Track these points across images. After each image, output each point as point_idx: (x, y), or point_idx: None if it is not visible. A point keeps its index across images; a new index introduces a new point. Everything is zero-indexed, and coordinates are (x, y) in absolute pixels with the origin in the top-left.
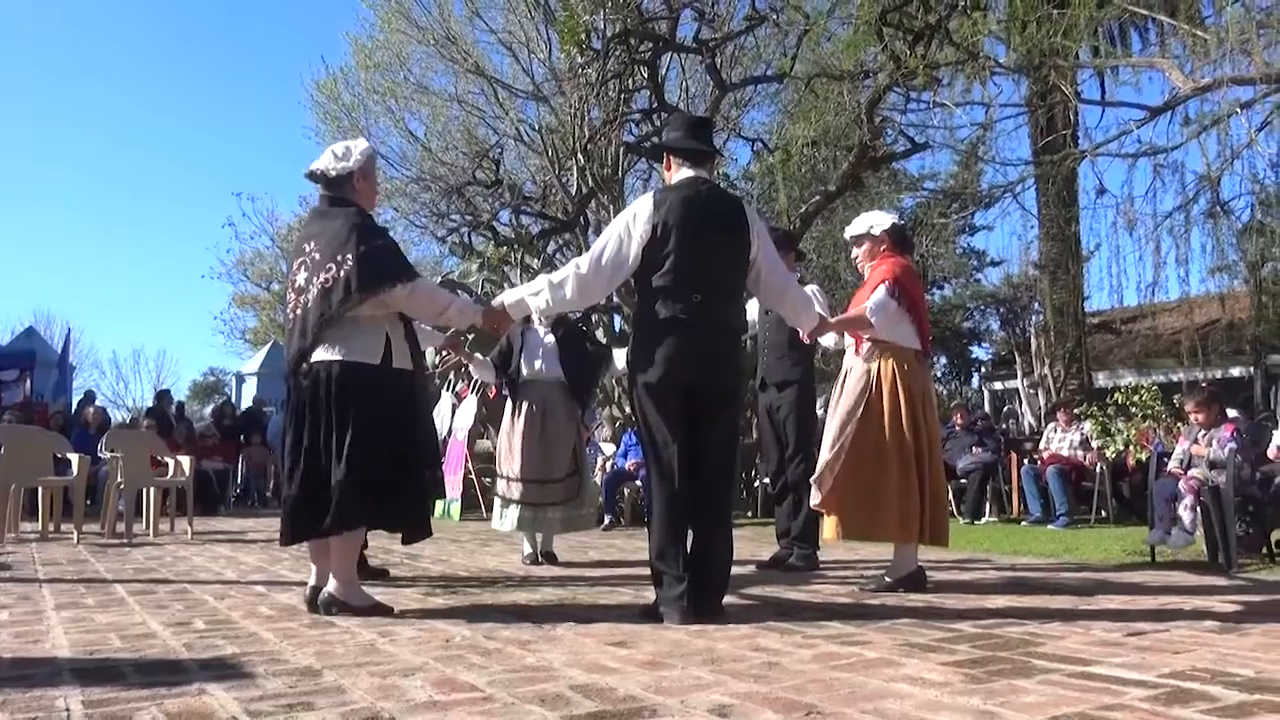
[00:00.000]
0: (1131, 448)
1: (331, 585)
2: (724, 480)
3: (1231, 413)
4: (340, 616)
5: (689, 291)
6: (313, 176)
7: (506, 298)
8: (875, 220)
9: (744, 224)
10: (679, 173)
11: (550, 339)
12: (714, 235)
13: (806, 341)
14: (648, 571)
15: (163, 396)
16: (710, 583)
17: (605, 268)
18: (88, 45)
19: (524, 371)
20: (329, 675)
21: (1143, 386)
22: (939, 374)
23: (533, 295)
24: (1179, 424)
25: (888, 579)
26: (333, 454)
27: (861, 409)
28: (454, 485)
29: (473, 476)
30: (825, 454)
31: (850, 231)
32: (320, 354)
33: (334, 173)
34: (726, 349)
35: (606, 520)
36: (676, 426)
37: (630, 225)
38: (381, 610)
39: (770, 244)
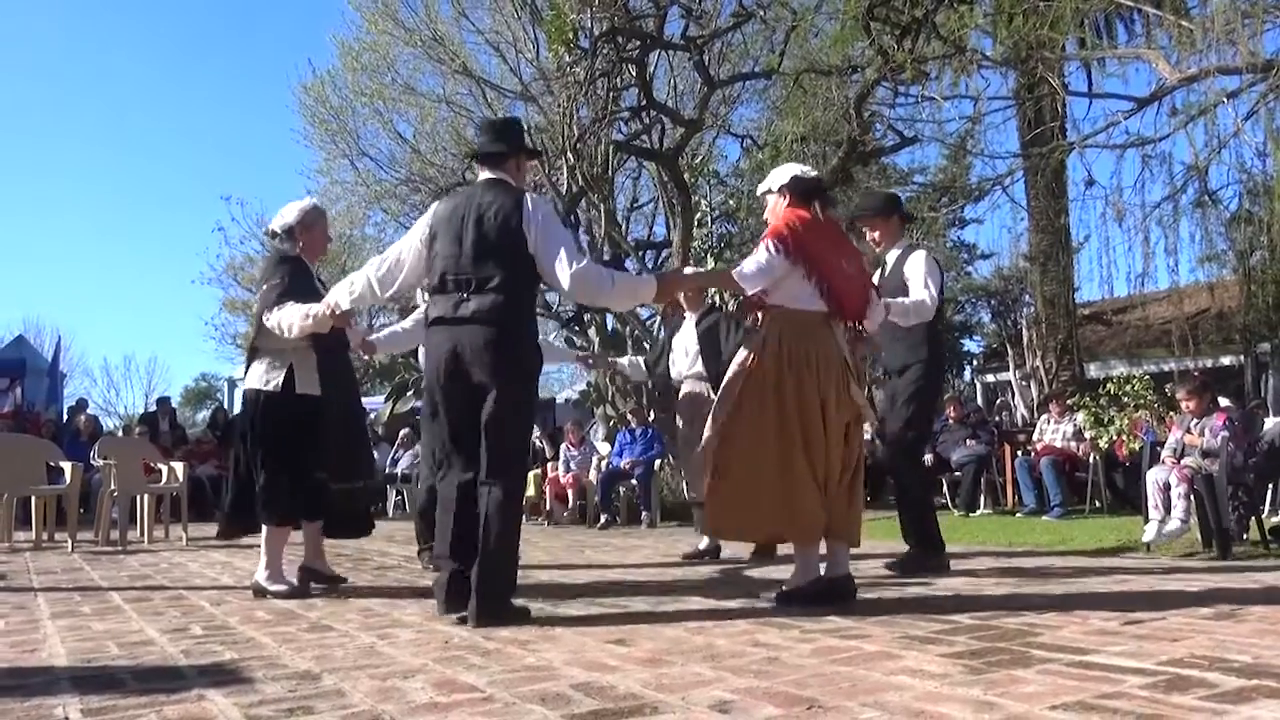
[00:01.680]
0: (1124, 437)
1: (258, 573)
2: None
3: (1223, 402)
4: (337, 619)
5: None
6: (270, 234)
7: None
8: (775, 175)
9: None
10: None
11: (692, 330)
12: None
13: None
14: (647, 570)
15: (162, 404)
16: (476, 581)
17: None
18: (75, 52)
19: (672, 371)
20: (328, 679)
21: (1134, 377)
22: None
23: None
24: (1171, 413)
25: (784, 588)
26: (255, 466)
27: (740, 384)
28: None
29: None
30: (706, 437)
31: (759, 190)
32: (246, 381)
33: (277, 228)
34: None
35: (602, 519)
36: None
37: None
38: (299, 594)
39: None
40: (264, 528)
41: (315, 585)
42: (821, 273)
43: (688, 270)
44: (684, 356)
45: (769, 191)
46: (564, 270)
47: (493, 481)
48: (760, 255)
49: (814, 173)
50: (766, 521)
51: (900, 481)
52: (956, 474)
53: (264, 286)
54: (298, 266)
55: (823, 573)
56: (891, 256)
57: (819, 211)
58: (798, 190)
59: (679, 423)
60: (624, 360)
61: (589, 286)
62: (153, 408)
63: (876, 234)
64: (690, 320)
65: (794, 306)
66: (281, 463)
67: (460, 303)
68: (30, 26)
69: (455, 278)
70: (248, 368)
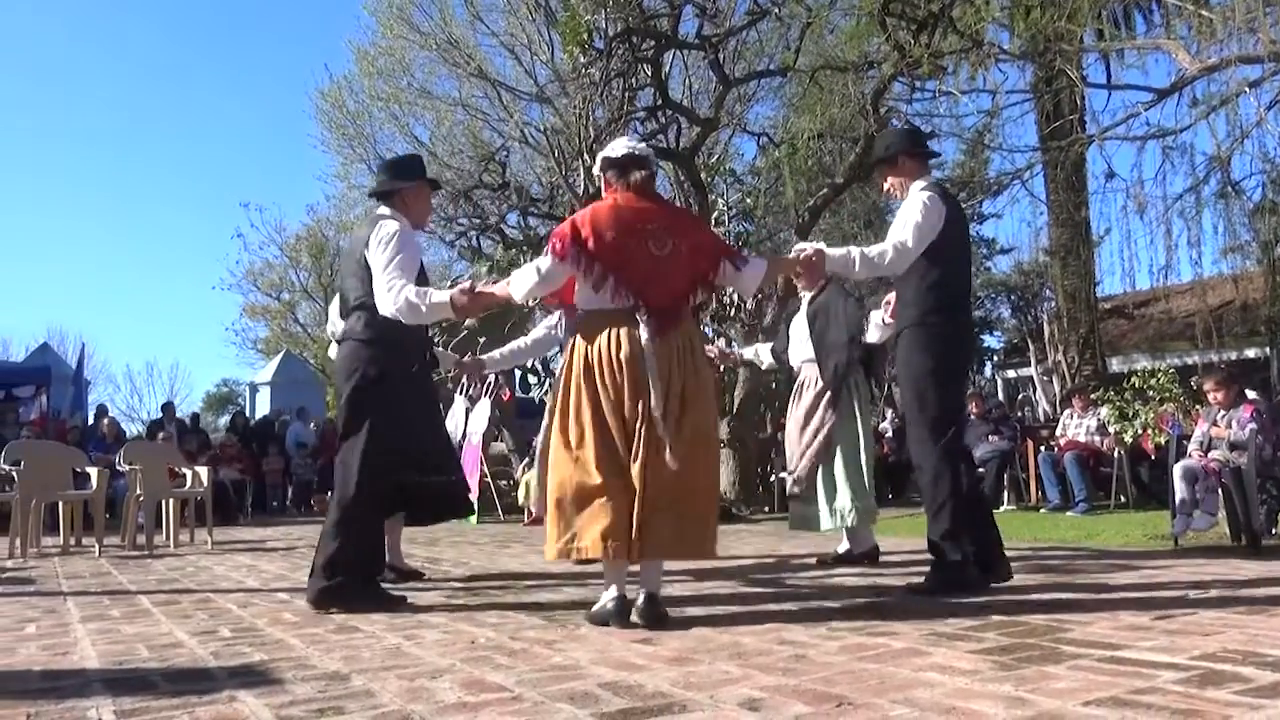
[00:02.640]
0: (1150, 431)
1: None
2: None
3: (1250, 394)
4: (363, 620)
5: None
6: None
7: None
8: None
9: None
10: None
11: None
12: None
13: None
14: (670, 569)
15: (167, 409)
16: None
17: None
18: (93, 62)
19: (790, 358)
20: (357, 679)
21: (1159, 370)
22: None
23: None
24: (1197, 406)
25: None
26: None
27: (553, 397)
28: (471, 488)
29: (489, 480)
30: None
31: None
32: None
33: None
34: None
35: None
36: None
37: None
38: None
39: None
40: None
41: (395, 581)
42: (606, 267)
43: (480, 287)
44: (798, 341)
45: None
46: (381, 300)
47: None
48: (536, 262)
49: (629, 145)
50: (576, 537)
51: (919, 477)
52: (979, 470)
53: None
54: None
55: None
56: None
57: (638, 186)
58: (612, 169)
59: (790, 410)
60: (749, 350)
61: (402, 315)
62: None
63: (889, 184)
64: (805, 300)
65: (590, 307)
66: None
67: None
68: (43, 34)
69: (341, 303)
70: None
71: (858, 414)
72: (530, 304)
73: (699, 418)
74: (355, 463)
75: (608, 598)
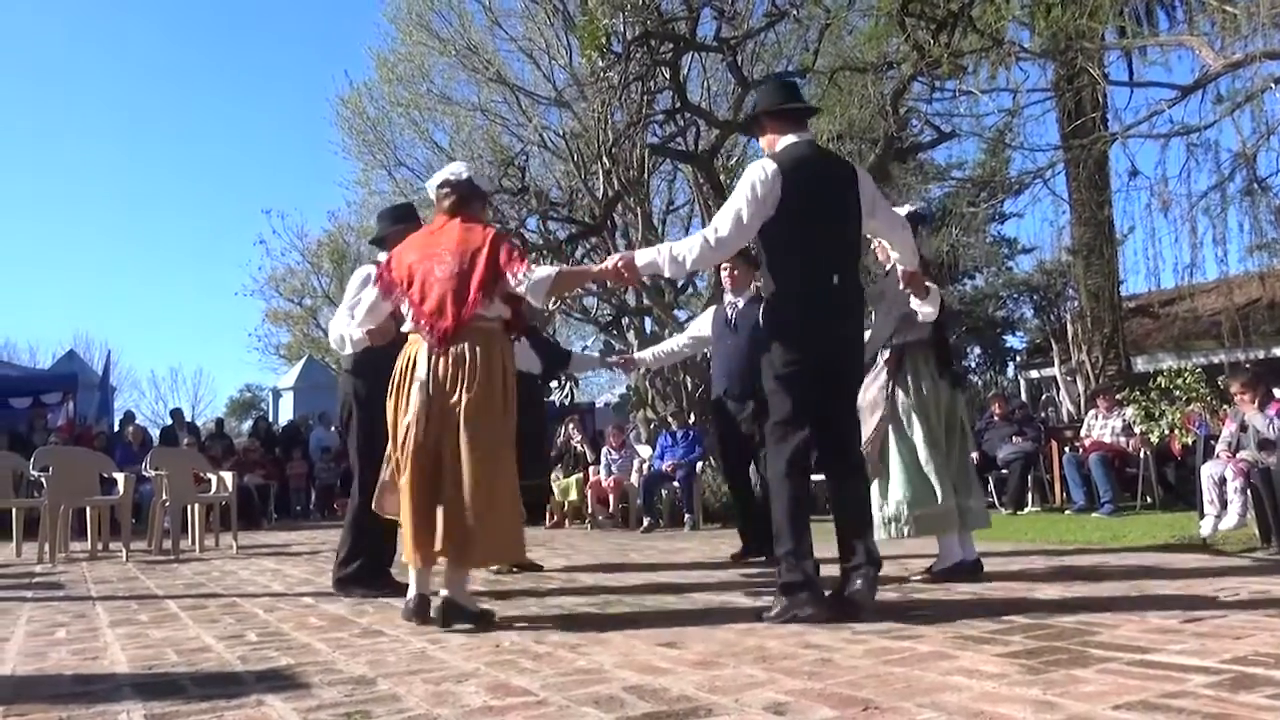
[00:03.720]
0: (1176, 432)
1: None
2: None
3: (1278, 393)
4: (388, 624)
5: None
6: None
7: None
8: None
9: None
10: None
11: None
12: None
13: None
14: (692, 573)
15: (176, 414)
16: None
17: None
18: (119, 72)
19: None
20: (383, 683)
21: (1185, 369)
22: (972, 364)
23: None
24: (1224, 406)
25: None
26: None
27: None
28: None
29: None
30: None
31: None
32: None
33: None
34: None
35: (645, 522)
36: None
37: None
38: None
39: None
40: None
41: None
42: (401, 292)
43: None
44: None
45: None
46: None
47: None
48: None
49: (447, 171)
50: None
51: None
52: (1003, 471)
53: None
54: None
55: None
56: None
57: (442, 209)
58: (463, 195)
59: None
60: (645, 353)
61: (336, 346)
62: (202, 418)
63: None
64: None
65: (404, 329)
66: None
67: None
68: (72, 45)
69: None
70: None
71: (911, 405)
72: (550, 308)
73: (480, 431)
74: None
75: (408, 597)
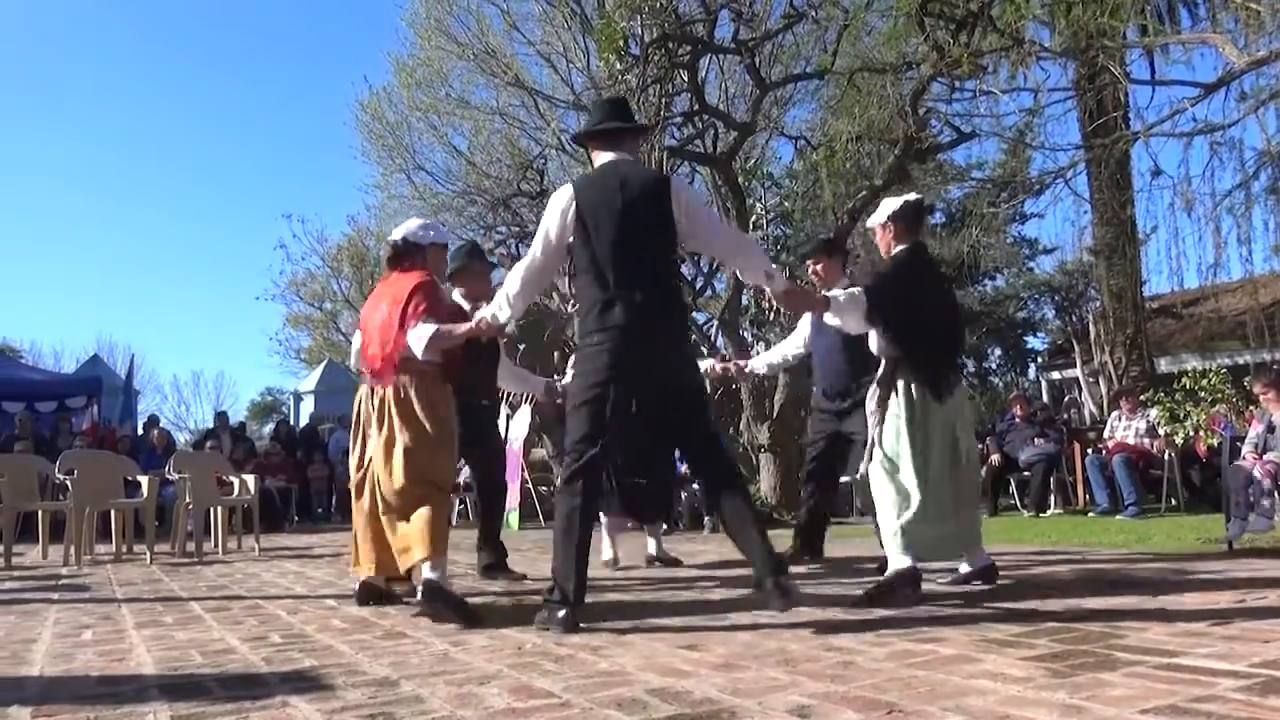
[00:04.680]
0: (1202, 433)
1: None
2: None
3: None
4: (410, 626)
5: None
6: None
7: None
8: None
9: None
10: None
11: None
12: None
13: None
14: (713, 575)
15: (220, 418)
16: None
17: None
18: (138, 81)
19: None
20: (406, 685)
21: (1210, 370)
22: (993, 365)
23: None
24: (1250, 407)
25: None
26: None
27: None
28: (512, 494)
29: (529, 485)
30: None
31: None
32: None
33: None
34: None
35: (664, 526)
36: None
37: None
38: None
39: None
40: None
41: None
42: (366, 335)
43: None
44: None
45: None
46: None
47: None
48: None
49: (398, 233)
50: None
51: None
52: (1025, 474)
53: None
54: None
55: None
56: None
57: (388, 266)
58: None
59: None
60: (758, 361)
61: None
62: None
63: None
64: None
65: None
66: None
67: None
68: (100, 57)
69: None
70: None
71: (901, 418)
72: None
73: (405, 461)
74: None
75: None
